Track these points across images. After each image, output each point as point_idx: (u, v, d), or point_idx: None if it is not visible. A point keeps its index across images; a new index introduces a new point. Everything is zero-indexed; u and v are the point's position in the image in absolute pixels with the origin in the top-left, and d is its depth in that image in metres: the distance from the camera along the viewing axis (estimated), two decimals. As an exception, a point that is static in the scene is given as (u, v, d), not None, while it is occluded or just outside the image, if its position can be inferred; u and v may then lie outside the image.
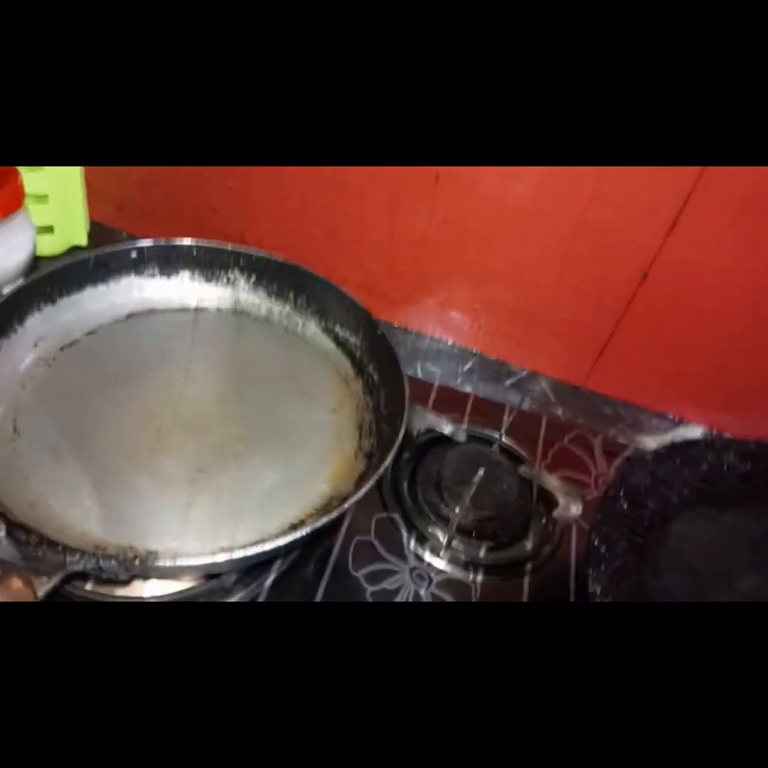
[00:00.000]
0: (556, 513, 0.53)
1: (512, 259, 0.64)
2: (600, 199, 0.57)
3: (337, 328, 0.57)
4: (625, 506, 0.47)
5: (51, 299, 0.51)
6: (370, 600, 0.48)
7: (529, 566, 0.52)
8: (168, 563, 0.35)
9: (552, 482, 0.53)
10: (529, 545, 0.54)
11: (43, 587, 0.32)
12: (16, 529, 0.35)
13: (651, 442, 0.65)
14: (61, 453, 0.44)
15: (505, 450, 0.59)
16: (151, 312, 0.56)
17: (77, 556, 0.34)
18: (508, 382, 0.70)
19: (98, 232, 0.75)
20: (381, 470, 0.42)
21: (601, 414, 0.68)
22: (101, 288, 0.54)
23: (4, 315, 0.47)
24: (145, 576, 0.42)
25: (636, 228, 0.57)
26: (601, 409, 0.68)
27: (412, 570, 0.51)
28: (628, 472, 0.49)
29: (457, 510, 0.52)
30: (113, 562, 0.34)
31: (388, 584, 0.49)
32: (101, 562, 0.34)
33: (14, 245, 0.65)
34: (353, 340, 0.56)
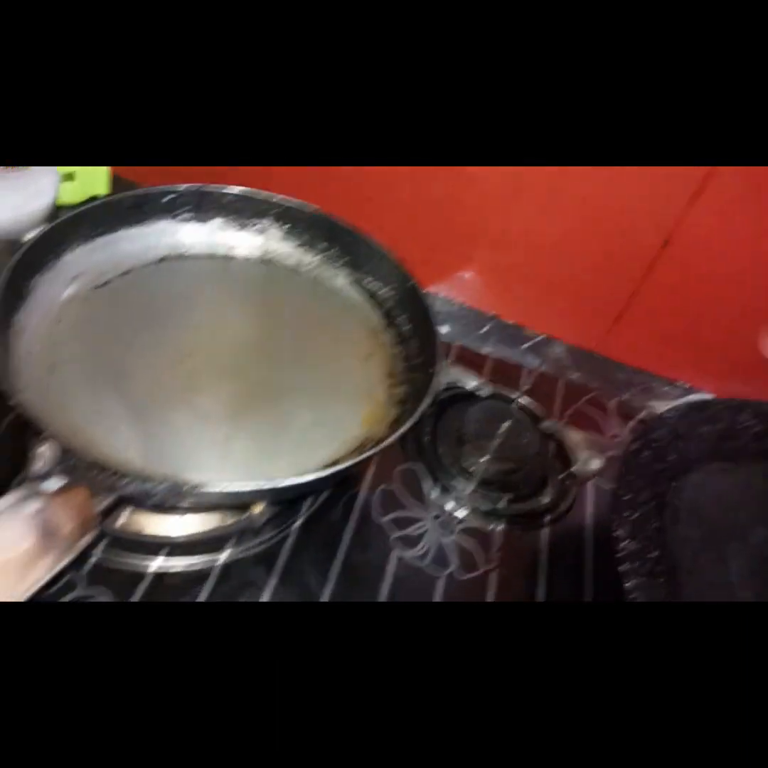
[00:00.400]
0: (575, 467, 0.54)
1: (533, 223, 0.65)
2: (626, 166, 0.58)
3: (367, 280, 0.57)
4: (648, 458, 0.49)
5: (87, 237, 0.51)
6: (394, 545, 0.49)
7: (547, 518, 0.54)
8: (216, 489, 0.36)
9: (574, 437, 0.55)
10: (547, 498, 0.55)
11: (101, 504, 0.32)
12: (67, 452, 0.35)
13: (663, 408, 0.67)
14: (99, 387, 0.45)
15: (523, 408, 0.60)
16: (183, 257, 0.56)
17: (128, 480, 0.34)
18: (524, 346, 0.71)
19: (118, 184, 0.75)
20: (417, 414, 0.43)
21: (615, 379, 0.69)
22: (135, 230, 0.54)
23: (44, 248, 0.48)
24: (185, 507, 0.42)
25: (660, 195, 0.58)
26: (615, 374, 0.69)
27: (435, 518, 0.52)
28: (650, 427, 0.51)
29: (482, 460, 0.53)
30: (163, 486, 0.35)
31: (412, 530, 0.51)
32: (151, 486, 0.34)
33: (38, 189, 0.65)
34: (383, 291, 0.56)
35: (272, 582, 0.45)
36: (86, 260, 0.51)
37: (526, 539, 0.52)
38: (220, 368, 0.49)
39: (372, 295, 0.57)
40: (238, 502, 0.43)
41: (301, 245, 0.59)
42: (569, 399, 0.64)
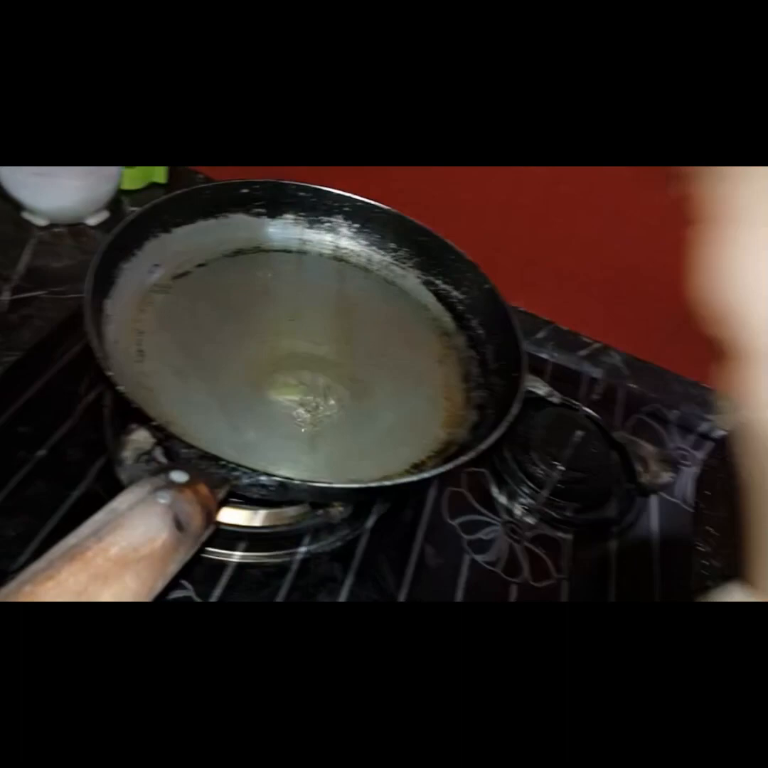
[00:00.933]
0: (645, 478, 0.54)
1: (598, 230, 0.64)
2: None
3: (439, 281, 0.57)
4: (726, 474, 0.49)
5: (166, 228, 0.51)
6: (467, 548, 0.49)
7: (615, 529, 0.54)
8: (322, 486, 0.36)
9: (647, 448, 0.55)
10: (612, 509, 0.55)
11: (219, 496, 0.32)
12: (177, 442, 0.35)
13: (720, 422, 0.67)
14: (187, 376, 0.44)
15: (590, 417, 0.60)
16: (257, 250, 0.56)
17: (240, 472, 0.34)
18: (581, 353, 0.71)
19: (175, 172, 0.75)
20: (508, 420, 0.43)
21: (673, 391, 0.69)
22: (212, 221, 0.54)
23: (130, 237, 0.47)
24: (288, 499, 0.42)
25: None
26: (672, 385, 0.69)
27: (505, 524, 0.52)
28: (724, 443, 0.51)
29: (553, 468, 0.53)
30: (274, 479, 0.35)
31: (483, 534, 0.51)
32: (264, 478, 0.34)
33: (102, 175, 0.64)
34: (456, 293, 0.56)
35: (349, 579, 0.45)
36: (166, 250, 0.51)
37: (595, 550, 0.52)
38: (300, 363, 0.49)
39: (443, 298, 0.57)
40: (334, 500, 0.43)
41: (370, 244, 0.59)
42: (630, 409, 0.64)
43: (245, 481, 0.34)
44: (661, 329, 0.69)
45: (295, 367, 0.48)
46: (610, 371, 0.70)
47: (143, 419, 0.36)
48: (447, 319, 0.56)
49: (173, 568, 0.27)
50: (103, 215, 0.67)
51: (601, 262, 0.66)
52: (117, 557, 0.25)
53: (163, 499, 0.28)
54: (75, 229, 0.65)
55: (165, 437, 0.35)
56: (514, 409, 0.43)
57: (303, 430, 0.44)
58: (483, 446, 0.40)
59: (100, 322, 0.43)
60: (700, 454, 0.62)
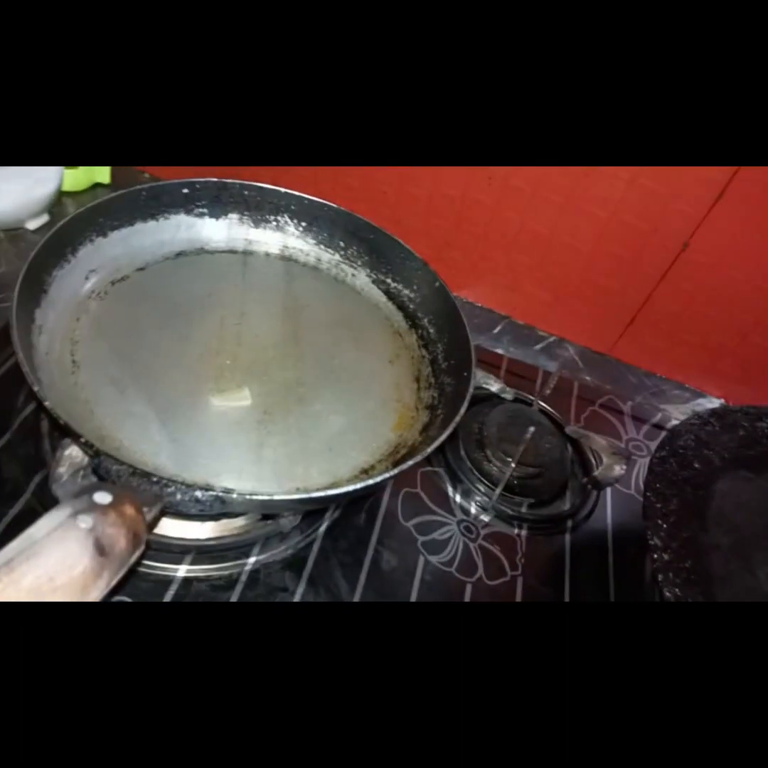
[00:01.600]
0: (598, 472, 0.54)
1: (550, 223, 0.64)
2: (650, 166, 0.58)
3: (389, 280, 0.56)
4: (675, 466, 0.49)
5: (102, 231, 0.49)
6: (421, 549, 0.48)
7: (569, 523, 0.54)
8: (263, 498, 0.35)
9: (599, 442, 0.55)
10: (567, 503, 0.55)
11: (149, 516, 0.31)
12: (107, 459, 0.34)
13: (674, 412, 0.67)
14: (125, 386, 0.43)
15: (543, 411, 0.60)
16: (201, 252, 0.54)
17: (173, 488, 0.33)
18: (537, 347, 0.71)
19: (120, 172, 0.72)
20: (455, 422, 0.42)
21: (627, 382, 0.69)
22: (151, 224, 0.52)
23: (61, 243, 0.45)
24: (225, 512, 0.41)
25: (683, 196, 0.58)
26: (626, 377, 0.70)
27: (459, 522, 0.51)
28: (674, 435, 0.51)
29: (507, 465, 0.52)
30: (209, 494, 0.33)
31: (438, 535, 0.50)
32: (199, 493, 0.33)
33: (42, 176, 0.62)
34: (407, 292, 0.55)
35: (301, 588, 0.44)
36: (102, 255, 0.49)
37: (550, 544, 0.52)
38: (246, 368, 0.47)
39: (394, 296, 0.56)
40: (276, 511, 0.42)
41: (319, 243, 0.58)
42: (584, 402, 0.64)
43: (179, 497, 0.33)
44: (615, 321, 0.69)
45: (240, 373, 0.47)
46: (565, 364, 0.70)
47: (71, 435, 0.34)
48: (398, 318, 0.55)
49: (96, 595, 0.26)
50: (44, 219, 0.64)
51: (555, 256, 0.66)
52: (30, 588, 0.23)
53: (85, 522, 0.26)
54: (13, 233, 0.63)
55: (94, 454, 0.34)
56: (462, 409, 0.42)
57: (247, 438, 0.43)
58: (429, 449, 0.39)
59: (31, 332, 0.41)
60: (653, 445, 0.63)
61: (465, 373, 0.45)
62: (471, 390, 0.44)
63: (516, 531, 0.52)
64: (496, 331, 0.71)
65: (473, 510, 0.53)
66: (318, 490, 0.39)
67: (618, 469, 0.54)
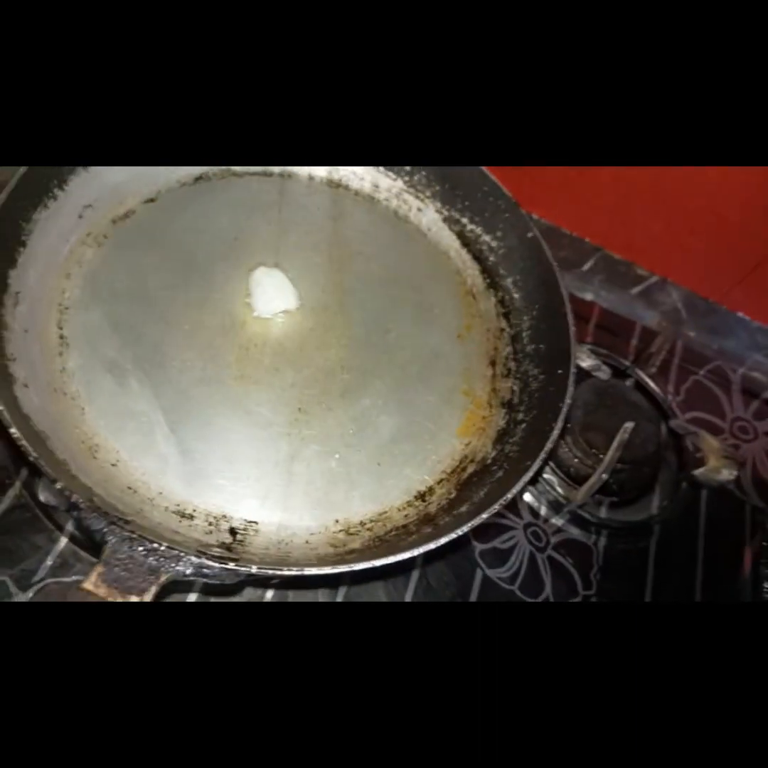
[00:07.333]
0: (700, 472, 0.45)
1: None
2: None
3: (465, 219, 0.44)
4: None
5: (98, 151, 0.38)
6: (479, 560, 0.41)
7: (656, 529, 0.45)
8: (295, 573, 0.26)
9: (711, 443, 0.44)
10: (654, 503, 0.46)
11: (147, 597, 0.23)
12: (86, 516, 0.25)
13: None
14: (125, 373, 0.34)
15: (640, 388, 0.49)
16: (226, 173, 0.42)
17: (174, 561, 0.25)
18: (634, 290, 0.58)
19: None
20: (552, 442, 0.32)
21: (738, 338, 0.57)
22: (162, 137, 0.40)
23: (43, 174, 0.35)
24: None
25: None
26: (737, 331, 0.57)
27: (527, 527, 0.43)
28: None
29: (598, 464, 0.42)
30: (219, 564, 0.25)
31: (499, 542, 0.42)
32: (206, 562, 0.25)
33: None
34: (487, 238, 0.43)
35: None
36: (100, 184, 0.38)
37: (632, 555, 0.44)
38: (278, 344, 0.38)
39: (471, 242, 0.44)
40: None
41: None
42: (686, 370, 0.53)
43: (181, 568, 0.25)
44: (735, 264, 0.56)
45: (269, 353, 0.37)
46: (666, 315, 0.57)
47: (44, 476, 0.26)
48: (474, 272, 0.43)
49: None
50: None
51: (674, 175, 0.52)
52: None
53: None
54: None
55: (71, 507, 0.25)
56: (556, 431, 0.32)
57: (276, 448, 0.34)
58: (510, 494, 0.30)
59: (1, 305, 0.32)
60: (762, 426, 0.52)
61: (559, 371, 0.35)
62: (568, 401, 0.34)
63: (593, 538, 0.44)
64: (586, 267, 0.58)
65: (544, 511, 0.44)
66: (358, 553, 0.30)
67: (726, 474, 0.44)
